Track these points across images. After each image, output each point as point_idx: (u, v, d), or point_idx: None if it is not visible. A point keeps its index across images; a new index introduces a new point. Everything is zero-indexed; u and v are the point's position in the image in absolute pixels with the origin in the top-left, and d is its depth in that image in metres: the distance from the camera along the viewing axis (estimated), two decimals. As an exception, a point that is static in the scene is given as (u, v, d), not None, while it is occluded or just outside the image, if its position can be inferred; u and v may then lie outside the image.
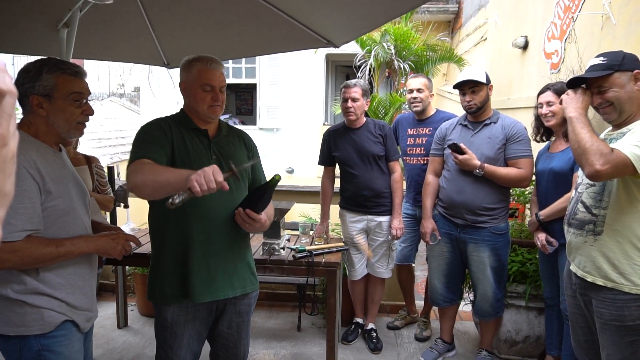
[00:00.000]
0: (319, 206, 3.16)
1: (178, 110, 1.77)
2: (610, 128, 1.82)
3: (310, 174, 7.68)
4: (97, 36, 2.75)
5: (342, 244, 2.77)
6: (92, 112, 1.49)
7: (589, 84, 1.74)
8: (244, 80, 9.79)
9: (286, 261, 2.44)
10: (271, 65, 9.32)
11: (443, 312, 2.97)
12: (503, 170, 2.54)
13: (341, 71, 10.69)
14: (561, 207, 2.34)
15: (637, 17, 2.52)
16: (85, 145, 7.26)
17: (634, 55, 1.68)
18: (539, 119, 2.54)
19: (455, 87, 2.65)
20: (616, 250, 1.67)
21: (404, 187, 3.16)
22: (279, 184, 1.61)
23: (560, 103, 1.85)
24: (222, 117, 2.01)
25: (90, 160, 2.67)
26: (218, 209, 1.63)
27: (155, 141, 1.58)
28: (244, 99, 11.89)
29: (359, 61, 7.71)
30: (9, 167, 0.43)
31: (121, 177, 2.87)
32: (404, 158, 3.17)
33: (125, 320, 3.32)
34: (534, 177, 2.62)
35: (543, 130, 2.55)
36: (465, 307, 3.19)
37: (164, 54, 2.97)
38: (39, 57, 1.43)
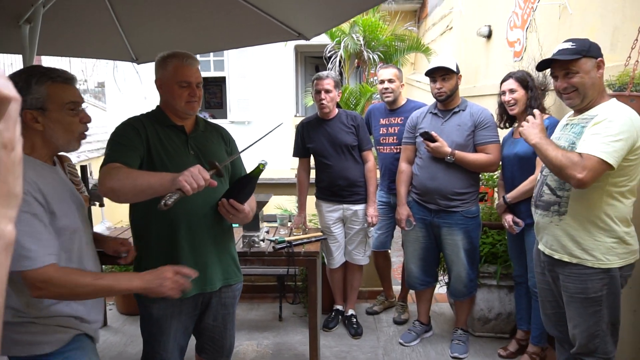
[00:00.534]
0: (294, 198, 3.19)
1: (152, 107, 1.76)
2: (572, 112, 1.93)
3: (284, 166, 7.68)
4: (62, 32, 2.67)
5: (320, 233, 2.82)
6: (89, 120, 1.40)
7: (554, 68, 1.82)
8: (212, 73, 9.65)
9: (266, 252, 2.47)
10: (240, 57, 9.21)
11: (419, 295, 3.07)
12: (472, 156, 2.63)
13: (310, 62, 10.67)
14: (526, 189, 2.45)
15: (592, 7, 2.64)
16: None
17: (597, 44, 1.79)
18: (502, 106, 2.62)
19: (426, 74, 2.72)
20: (579, 229, 1.79)
21: (378, 175, 3.23)
22: None
23: (528, 120, 1.88)
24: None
25: (62, 160, 2.61)
26: (201, 203, 1.64)
27: (127, 143, 1.57)
28: (213, 92, 11.73)
29: (328, 52, 7.74)
30: (18, 169, 0.45)
31: (94, 175, 2.82)
32: (378, 147, 3.23)
33: (105, 319, 3.28)
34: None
35: (506, 117, 2.63)
36: (440, 290, 3.30)
37: (132, 49, 2.91)
38: (21, 68, 1.34)
